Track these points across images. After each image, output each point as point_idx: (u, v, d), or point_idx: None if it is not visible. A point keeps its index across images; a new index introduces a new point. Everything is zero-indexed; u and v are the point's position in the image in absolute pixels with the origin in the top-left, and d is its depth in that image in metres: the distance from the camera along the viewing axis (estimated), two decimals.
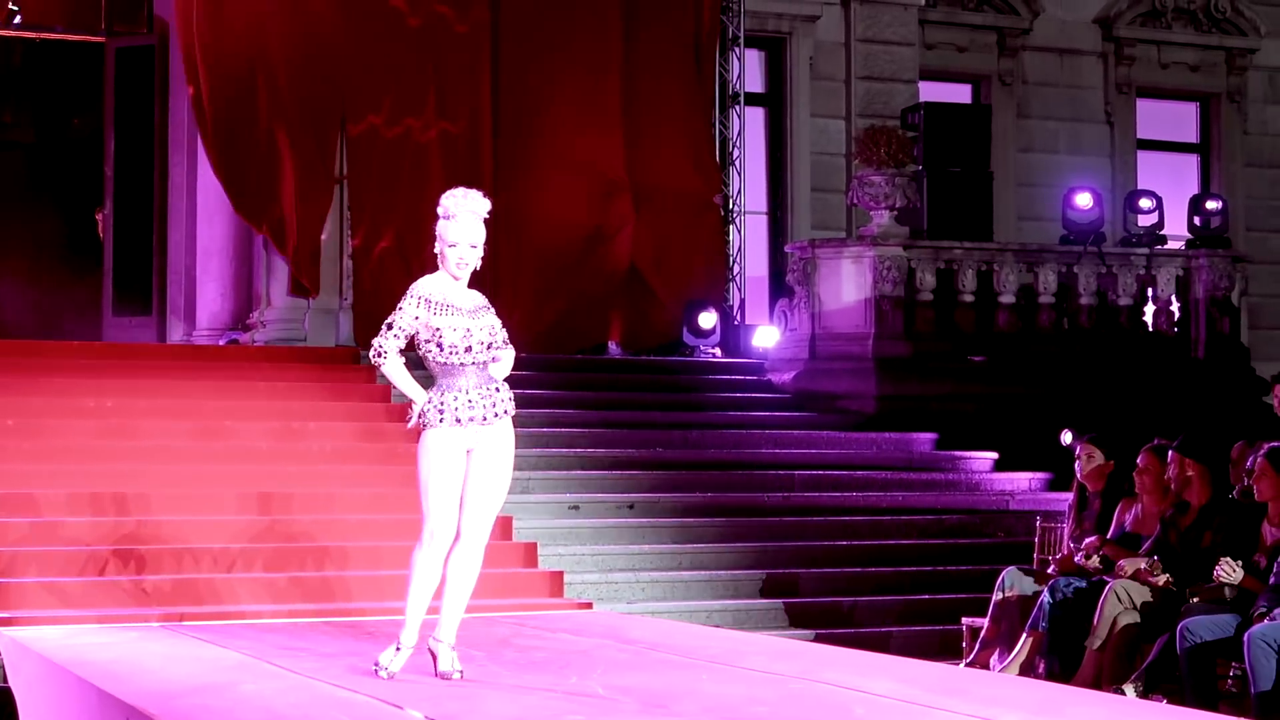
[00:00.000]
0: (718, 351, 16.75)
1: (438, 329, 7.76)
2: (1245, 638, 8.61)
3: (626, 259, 16.82)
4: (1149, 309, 16.87)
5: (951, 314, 16.08)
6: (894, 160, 16.14)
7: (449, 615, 7.79)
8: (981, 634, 10.72)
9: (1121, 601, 9.63)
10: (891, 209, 16.02)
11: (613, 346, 16.98)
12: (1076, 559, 10.21)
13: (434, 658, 7.80)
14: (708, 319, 16.56)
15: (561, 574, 11.79)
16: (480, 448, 7.81)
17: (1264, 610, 8.86)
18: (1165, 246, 17.21)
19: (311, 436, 13.15)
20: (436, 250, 7.91)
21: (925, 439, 15.02)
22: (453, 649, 7.79)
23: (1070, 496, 11.20)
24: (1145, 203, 17.41)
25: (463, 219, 7.88)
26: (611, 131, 16.76)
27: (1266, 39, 21.31)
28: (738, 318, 17.46)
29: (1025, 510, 13.58)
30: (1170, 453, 10.06)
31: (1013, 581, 10.65)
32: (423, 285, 7.88)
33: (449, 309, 7.83)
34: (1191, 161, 21.48)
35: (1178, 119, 21.49)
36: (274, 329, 16.09)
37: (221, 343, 16.18)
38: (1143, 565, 9.73)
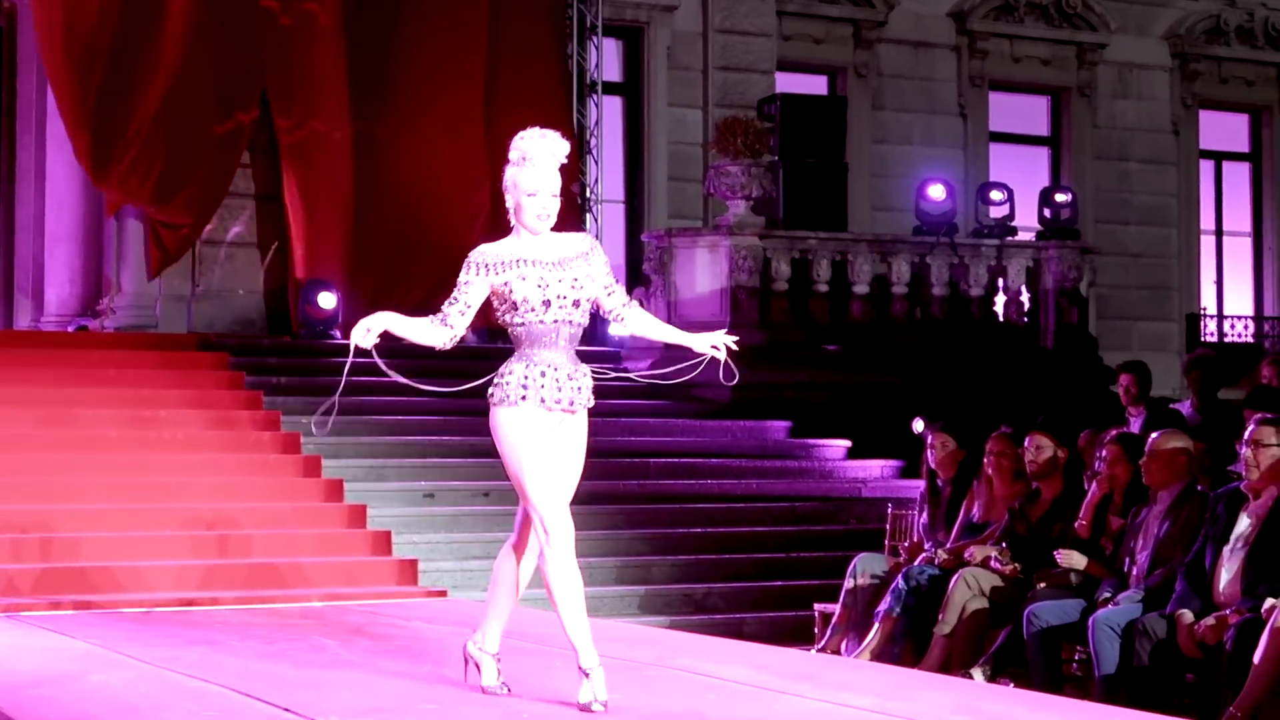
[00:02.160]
0: None
1: (506, 283, 6.55)
2: (1090, 622, 8.77)
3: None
4: (1000, 299, 17.10)
5: (806, 303, 16.20)
6: (750, 150, 16.24)
7: (581, 634, 6.67)
8: (833, 620, 10.82)
9: (970, 588, 9.76)
10: (747, 199, 16.11)
11: (469, 333, 16.93)
12: (936, 560, 10.30)
13: (587, 676, 6.60)
14: None
15: (416, 562, 11.76)
16: (560, 438, 6.75)
17: (1108, 595, 9.04)
18: (1016, 238, 17.44)
19: (162, 424, 13.00)
20: (509, 204, 6.65)
21: (779, 427, 15.13)
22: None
23: (922, 484, 11.33)
24: (997, 194, 17.65)
25: (542, 163, 6.55)
26: (473, 120, 16.69)
27: (1116, 34, 21.64)
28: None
29: (877, 497, 13.71)
30: (1030, 435, 10.19)
31: (864, 568, 10.77)
32: (482, 251, 6.64)
33: (519, 263, 6.56)
34: (1042, 154, 21.77)
35: (1029, 112, 21.77)
36: (124, 315, 15.89)
37: (71, 329, 15.96)
38: (992, 554, 9.87)
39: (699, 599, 12.55)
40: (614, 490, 13.52)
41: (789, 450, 14.91)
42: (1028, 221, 18.10)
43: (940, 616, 9.76)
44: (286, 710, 6.72)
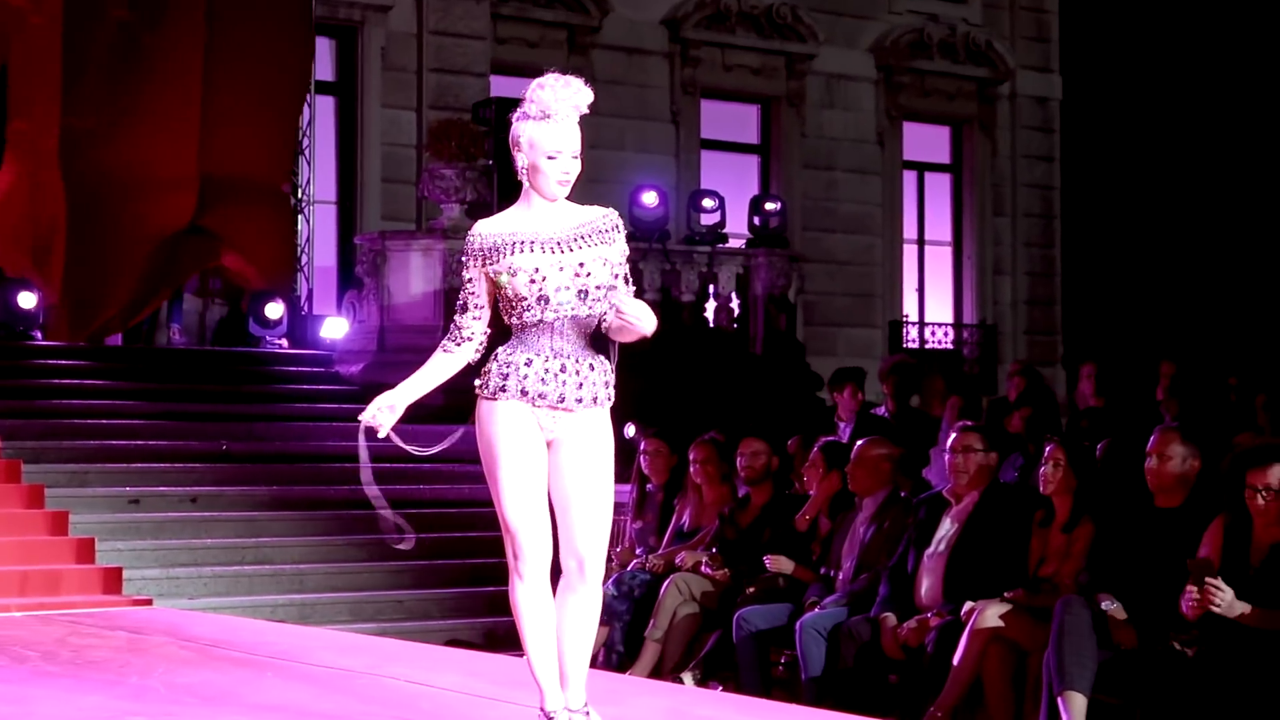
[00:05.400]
0: (285, 342, 16.55)
1: (499, 275, 5.54)
2: (797, 626, 8.93)
3: (199, 248, 16.45)
4: (710, 305, 17.33)
5: None
6: (465, 154, 16.22)
7: (575, 673, 5.76)
8: None
9: (681, 593, 9.87)
10: (462, 202, 16.09)
11: (175, 335, 16.64)
12: (647, 566, 10.39)
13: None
14: (274, 309, 16.35)
15: (120, 570, 11.49)
16: (564, 440, 5.64)
17: (815, 600, 9.21)
18: (726, 245, 17.71)
19: None
20: (520, 165, 5.67)
21: None
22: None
23: (634, 490, 11.41)
24: (708, 202, 17.90)
25: (565, 119, 5.60)
26: (188, 120, 16.35)
27: (825, 45, 22.07)
28: (305, 308, 17.28)
29: None
30: (745, 441, 10.33)
31: None
32: (477, 232, 5.62)
33: (520, 246, 5.51)
34: (752, 162, 22.11)
35: (740, 120, 22.08)
36: None
37: None
38: (702, 559, 10.00)
39: (410, 605, 12.48)
40: (325, 495, 13.37)
41: None
42: (738, 229, 18.38)
43: (651, 622, 9.85)
44: None
